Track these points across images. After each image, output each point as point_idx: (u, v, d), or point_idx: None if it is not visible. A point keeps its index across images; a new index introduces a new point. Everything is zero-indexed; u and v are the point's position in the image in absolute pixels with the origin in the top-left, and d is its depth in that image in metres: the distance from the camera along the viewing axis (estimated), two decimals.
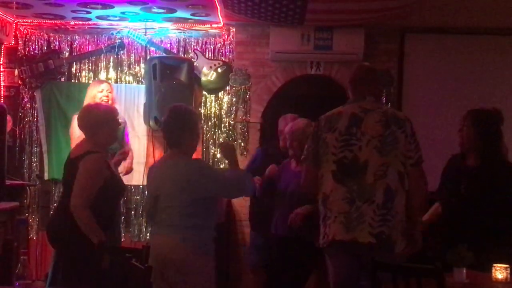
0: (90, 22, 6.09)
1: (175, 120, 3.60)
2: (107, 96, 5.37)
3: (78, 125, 4.01)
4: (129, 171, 5.46)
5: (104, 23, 6.10)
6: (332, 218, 3.41)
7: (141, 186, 6.14)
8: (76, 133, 4.65)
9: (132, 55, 6.26)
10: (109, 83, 5.60)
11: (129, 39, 6.17)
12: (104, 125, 3.87)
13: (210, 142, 6.24)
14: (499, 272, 3.46)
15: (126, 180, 5.84)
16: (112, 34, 6.21)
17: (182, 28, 6.18)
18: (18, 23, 6.16)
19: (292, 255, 4.36)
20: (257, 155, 5.41)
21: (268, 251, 4.78)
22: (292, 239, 4.32)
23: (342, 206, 3.38)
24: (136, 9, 5.51)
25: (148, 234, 6.10)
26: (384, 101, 6.09)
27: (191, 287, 3.46)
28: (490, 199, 3.94)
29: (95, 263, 3.65)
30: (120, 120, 5.38)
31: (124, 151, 5.00)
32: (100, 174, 3.75)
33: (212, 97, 6.26)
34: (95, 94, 5.35)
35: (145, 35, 6.11)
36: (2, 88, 6.21)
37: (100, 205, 3.74)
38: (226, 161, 3.83)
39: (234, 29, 6.19)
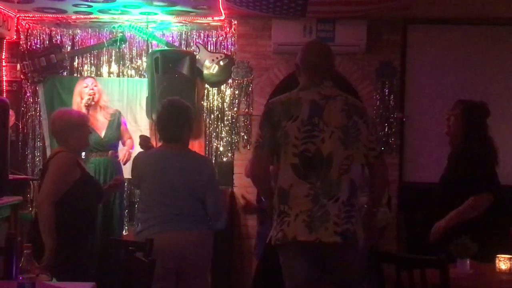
0: (91, 16, 6.08)
1: (174, 114, 3.67)
2: (93, 90, 5.39)
3: (51, 133, 4.04)
4: (127, 160, 5.43)
5: (105, 17, 6.09)
6: (292, 216, 3.07)
7: None
8: None
9: (134, 48, 6.25)
10: (93, 77, 5.62)
11: (131, 33, 6.16)
12: (75, 130, 3.87)
13: (213, 136, 6.24)
14: (502, 262, 3.47)
15: (128, 172, 5.88)
16: (114, 27, 6.19)
17: (183, 21, 6.16)
18: (20, 18, 6.16)
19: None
20: None
21: (263, 240, 4.69)
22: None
23: (305, 203, 3.06)
24: (137, 2, 5.49)
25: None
26: (386, 93, 6.09)
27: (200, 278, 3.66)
28: (466, 187, 3.95)
29: (89, 260, 3.67)
30: (111, 112, 5.43)
31: (117, 178, 4.79)
32: (69, 172, 3.74)
33: (215, 90, 6.25)
34: (81, 90, 5.37)
35: (147, 28, 6.10)
36: (4, 82, 6.21)
37: (75, 206, 3.73)
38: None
39: (236, 22, 6.17)
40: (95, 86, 5.43)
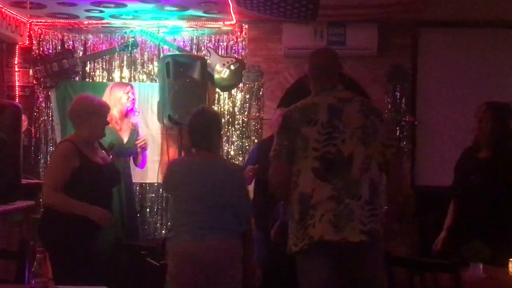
0: (103, 21, 6.11)
1: (207, 122, 3.69)
2: (134, 99, 5.36)
3: (68, 115, 3.99)
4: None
5: (117, 22, 6.12)
6: (317, 216, 3.08)
7: (155, 184, 6.15)
8: None
9: (145, 53, 6.27)
10: (130, 84, 5.57)
11: (142, 38, 6.19)
12: (90, 117, 3.81)
13: (224, 140, 6.23)
14: None
15: (140, 177, 5.91)
16: (125, 33, 6.22)
17: (194, 26, 6.18)
18: (32, 23, 6.20)
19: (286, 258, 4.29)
20: (253, 151, 5.44)
21: (266, 247, 4.66)
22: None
23: (329, 204, 3.08)
24: (148, 7, 5.52)
25: (163, 231, 6.11)
26: (398, 97, 6.08)
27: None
28: (503, 191, 3.95)
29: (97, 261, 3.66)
30: (133, 122, 5.42)
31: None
32: (66, 161, 3.68)
33: (225, 94, 6.26)
34: (122, 95, 5.28)
35: (158, 33, 6.12)
36: (17, 88, 6.24)
37: (75, 198, 3.68)
38: None
39: (246, 26, 6.18)
40: (133, 94, 5.39)
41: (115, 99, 5.23)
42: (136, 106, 5.81)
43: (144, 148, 5.41)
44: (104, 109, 3.97)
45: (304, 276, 3.17)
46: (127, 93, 5.33)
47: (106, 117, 3.98)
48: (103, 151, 4.07)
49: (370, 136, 3.17)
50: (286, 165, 3.20)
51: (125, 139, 5.26)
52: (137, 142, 5.34)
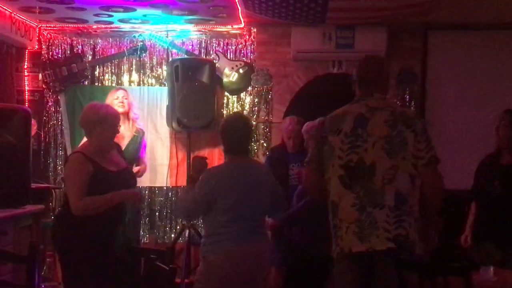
0: (112, 26, 6.13)
1: (243, 128, 3.75)
2: (122, 103, 5.37)
3: (79, 123, 4.01)
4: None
5: (126, 26, 6.14)
6: (344, 228, 3.13)
7: (164, 188, 6.16)
8: None
9: (154, 57, 6.29)
10: (125, 90, 5.60)
11: (151, 42, 6.20)
12: (97, 126, 3.79)
13: None
14: None
15: (149, 181, 5.91)
16: (134, 37, 6.24)
17: (203, 30, 6.20)
18: (42, 28, 6.23)
19: (308, 262, 4.34)
20: (266, 159, 5.49)
21: (287, 251, 4.70)
22: (308, 246, 4.32)
23: (352, 213, 3.11)
24: (157, 11, 5.53)
25: (172, 235, 6.12)
26: (407, 99, 6.06)
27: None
28: None
29: (110, 265, 3.66)
30: (137, 127, 5.41)
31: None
32: (82, 169, 3.68)
33: (234, 98, 6.26)
34: (112, 101, 5.33)
35: (167, 37, 6.13)
36: (26, 92, 6.27)
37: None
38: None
39: (255, 30, 6.18)
40: (125, 98, 5.41)
41: None
42: (145, 110, 5.84)
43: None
44: (111, 118, 3.89)
45: (336, 283, 3.25)
46: (116, 98, 5.38)
47: (113, 126, 3.91)
48: (119, 155, 4.06)
49: (396, 146, 3.13)
50: (314, 171, 3.30)
51: (124, 146, 5.24)
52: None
